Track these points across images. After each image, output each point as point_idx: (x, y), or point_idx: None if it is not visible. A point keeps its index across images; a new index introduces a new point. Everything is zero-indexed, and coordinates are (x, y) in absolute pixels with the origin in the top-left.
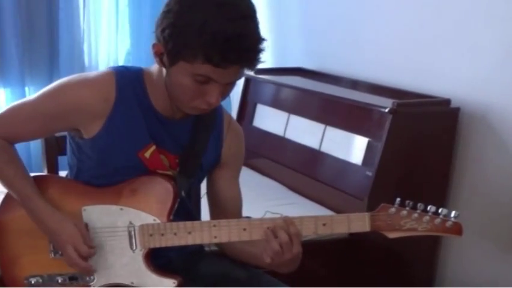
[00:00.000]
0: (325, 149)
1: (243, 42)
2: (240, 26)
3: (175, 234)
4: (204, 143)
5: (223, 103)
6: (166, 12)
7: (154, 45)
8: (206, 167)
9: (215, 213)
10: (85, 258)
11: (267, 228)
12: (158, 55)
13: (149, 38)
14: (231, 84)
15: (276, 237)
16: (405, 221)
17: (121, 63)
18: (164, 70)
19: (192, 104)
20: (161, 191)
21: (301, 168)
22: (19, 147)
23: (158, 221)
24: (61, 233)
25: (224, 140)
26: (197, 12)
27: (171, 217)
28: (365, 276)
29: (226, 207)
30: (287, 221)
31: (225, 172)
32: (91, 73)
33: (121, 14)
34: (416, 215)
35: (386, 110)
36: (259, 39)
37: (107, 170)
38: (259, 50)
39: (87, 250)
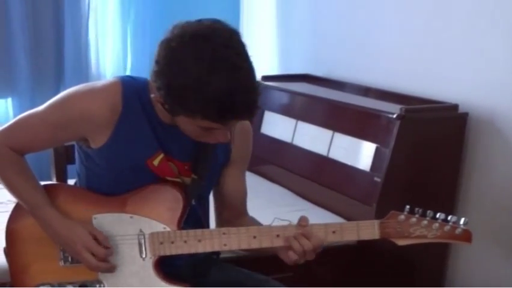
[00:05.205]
0: (333, 155)
1: (238, 98)
2: (233, 81)
3: (185, 242)
4: (213, 147)
5: None
6: (158, 72)
7: (154, 97)
8: (217, 169)
9: (219, 207)
10: (104, 259)
11: (292, 238)
12: (161, 103)
13: (153, 48)
14: None
15: (301, 245)
16: (415, 229)
17: (126, 73)
18: None
19: (202, 140)
20: (171, 199)
21: (309, 174)
22: (29, 155)
23: (168, 229)
24: (74, 240)
25: (233, 140)
26: (188, 72)
27: (181, 225)
28: (373, 283)
29: (231, 200)
30: (307, 234)
31: (233, 169)
32: (98, 82)
33: (126, 24)
34: (425, 222)
35: (394, 116)
36: (254, 89)
37: (116, 179)
38: (255, 101)
39: (104, 251)
